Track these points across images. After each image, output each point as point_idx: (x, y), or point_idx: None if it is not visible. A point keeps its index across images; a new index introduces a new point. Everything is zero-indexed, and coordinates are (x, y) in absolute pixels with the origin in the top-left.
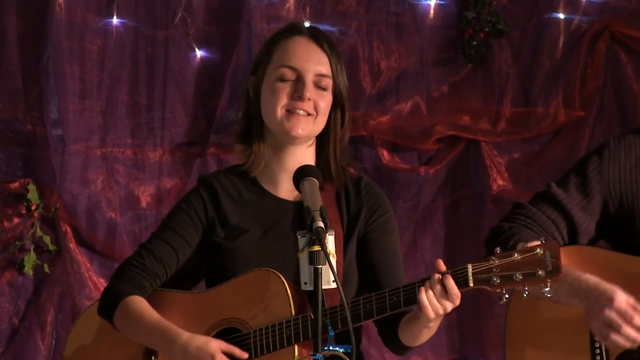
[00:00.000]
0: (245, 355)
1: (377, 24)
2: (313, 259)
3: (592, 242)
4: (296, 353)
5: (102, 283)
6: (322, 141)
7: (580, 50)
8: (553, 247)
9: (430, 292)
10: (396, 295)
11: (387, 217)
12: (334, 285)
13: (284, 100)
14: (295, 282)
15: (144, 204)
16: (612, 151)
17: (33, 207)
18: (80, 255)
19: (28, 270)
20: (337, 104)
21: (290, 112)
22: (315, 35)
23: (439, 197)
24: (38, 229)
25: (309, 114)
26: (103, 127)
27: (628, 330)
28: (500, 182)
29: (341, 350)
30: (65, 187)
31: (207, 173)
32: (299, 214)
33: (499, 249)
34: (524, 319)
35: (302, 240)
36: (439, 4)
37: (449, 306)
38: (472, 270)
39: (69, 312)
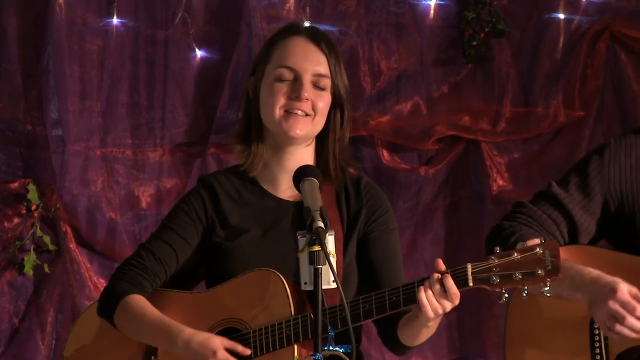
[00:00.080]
0: (249, 351)
1: (377, 24)
2: (313, 259)
3: (593, 242)
4: (296, 353)
5: (102, 283)
6: (321, 141)
7: (580, 50)
8: (552, 246)
9: (430, 292)
10: (395, 294)
11: (387, 217)
12: (333, 286)
13: (282, 100)
14: (295, 282)
15: (144, 204)
16: (613, 151)
17: (33, 207)
18: (80, 256)
19: (28, 270)
20: (336, 104)
21: (288, 112)
22: (314, 35)
23: (439, 197)
24: (38, 229)
25: (307, 114)
26: (103, 127)
27: (632, 321)
28: (500, 182)
29: (341, 350)
30: (65, 187)
31: (207, 173)
32: (299, 214)
33: (498, 248)
34: (524, 319)
35: (302, 241)
36: (439, 4)
37: (448, 306)
38: (472, 269)
39: (69, 312)
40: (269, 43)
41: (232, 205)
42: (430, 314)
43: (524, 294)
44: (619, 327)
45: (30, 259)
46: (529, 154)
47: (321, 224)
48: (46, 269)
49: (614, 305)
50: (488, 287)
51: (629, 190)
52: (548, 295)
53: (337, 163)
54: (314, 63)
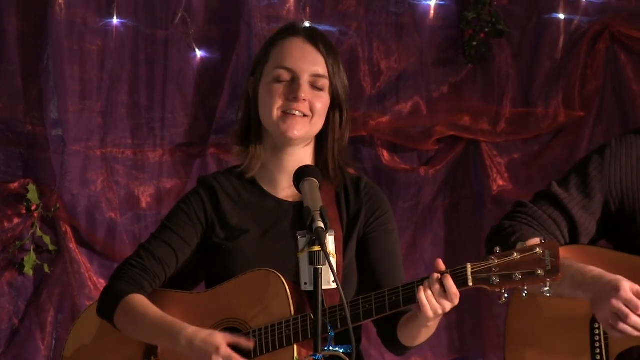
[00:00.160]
0: (252, 344)
1: (377, 24)
2: (313, 259)
3: (593, 242)
4: (296, 353)
5: (102, 283)
6: (321, 141)
7: (580, 50)
8: (552, 246)
9: (429, 292)
10: (395, 294)
11: (387, 217)
12: (333, 286)
13: (279, 101)
14: (295, 283)
15: (144, 205)
16: (614, 151)
17: (33, 207)
18: (80, 256)
19: (28, 270)
20: (335, 105)
21: (286, 113)
22: (312, 36)
23: (439, 198)
24: (38, 229)
25: (304, 115)
26: (103, 127)
27: (635, 319)
28: (500, 182)
29: (341, 351)
30: (65, 188)
31: (207, 174)
32: (299, 214)
33: (498, 248)
34: (524, 319)
35: (302, 241)
36: (439, 5)
37: (448, 306)
38: (471, 269)
39: (69, 312)
40: (268, 43)
41: (232, 205)
42: (430, 314)
43: (524, 294)
44: (622, 325)
45: (30, 259)
46: (529, 154)
47: (321, 224)
48: (46, 269)
49: (617, 303)
50: (488, 287)
51: (629, 190)
52: (548, 295)
53: (336, 163)
54: (311, 63)
